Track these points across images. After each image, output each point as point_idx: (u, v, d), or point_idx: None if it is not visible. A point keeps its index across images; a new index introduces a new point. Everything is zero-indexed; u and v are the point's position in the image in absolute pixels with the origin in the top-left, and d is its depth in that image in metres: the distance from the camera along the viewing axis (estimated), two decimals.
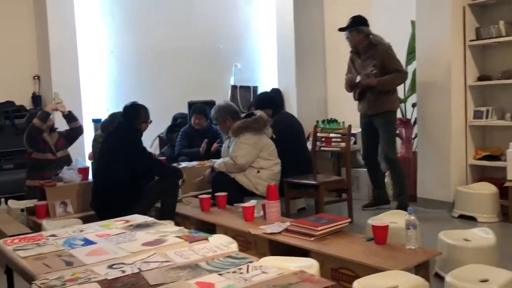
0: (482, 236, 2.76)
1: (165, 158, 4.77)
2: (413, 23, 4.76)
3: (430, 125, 4.48)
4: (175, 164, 4.63)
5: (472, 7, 4.33)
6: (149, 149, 5.02)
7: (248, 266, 1.57)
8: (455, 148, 4.35)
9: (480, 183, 4.27)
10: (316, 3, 5.99)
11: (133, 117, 3.65)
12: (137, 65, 6.16)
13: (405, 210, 3.96)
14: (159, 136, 6.12)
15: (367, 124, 4.40)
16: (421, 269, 2.35)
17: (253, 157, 3.92)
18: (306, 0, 5.89)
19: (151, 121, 3.77)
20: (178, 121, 5.87)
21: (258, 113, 4.10)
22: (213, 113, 4.22)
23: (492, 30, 4.25)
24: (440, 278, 2.59)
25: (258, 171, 3.93)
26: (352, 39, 4.33)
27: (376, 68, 4.15)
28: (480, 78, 4.40)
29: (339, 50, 5.88)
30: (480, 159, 4.40)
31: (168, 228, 2.07)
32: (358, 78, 4.25)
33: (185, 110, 5.81)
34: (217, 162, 4.03)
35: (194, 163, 4.80)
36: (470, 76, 4.39)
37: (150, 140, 6.02)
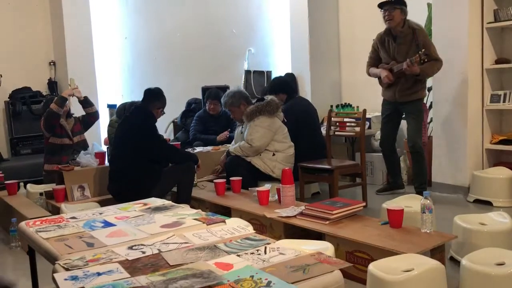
0: (499, 220, 2.74)
1: (179, 143, 4.80)
2: (429, 5, 4.69)
3: (446, 109, 4.43)
4: (189, 149, 4.68)
5: None
6: (163, 134, 5.09)
7: (265, 247, 1.59)
8: (471, 133, 4.31)
9: (496, 167, 4.23)
10: None
11: (151, 99, 3.67)
12: (151, 51, 6.19)
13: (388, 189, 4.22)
14: (173, 121, 6.16)
15: (392, 111, 4.27)
16: (436, 252, 2.36)
17: (268, 139, 3.95)
18: None
19: (164, 113, 3.78)
20: (192, 106, 5.90)
21: (269, 97, 4.11)
22: (226, 99, 4.20)
23: (511, 12, 4.17)
24: (456, 261, 2.59)
25: (274, 154, 3.96)
26: (395, 17, 3.99)
27: (428, 54, 3.87)
28: (497, 61, 4.33)
29: (354, 34, 5.84)
30: (496, 143, 4.35)
31: (186, 211, 2.10)
32: (399, 66, 3.98)
33: (199, 95, 5.84)
34: (233, 147, 4.06)
35: (209, 148, 4.84)
36: (487, 59, 4.32)
37: (165, 125, 6.08)
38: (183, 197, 3.61)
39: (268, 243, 1.63)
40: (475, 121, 4.34)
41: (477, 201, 4.05)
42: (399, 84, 4.11)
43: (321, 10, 5.86)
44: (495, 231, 2.64)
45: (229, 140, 4.81)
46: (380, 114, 5.34)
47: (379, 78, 4.26)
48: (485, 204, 3.97)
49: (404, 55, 4.02)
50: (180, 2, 6.24)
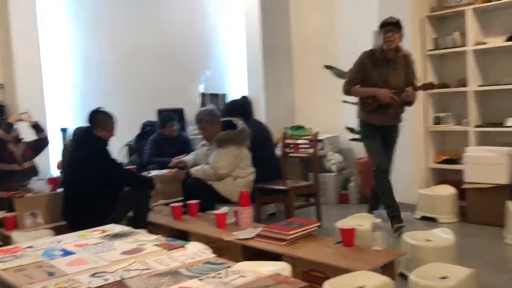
0: (442, 236, 2.93)
1: (135, 166, 4.77)
2: (375, 34, 4.96)
3: None
4: (145, 173, 4.66)
5: (430, 19, 4.58)
6: (117, 158, 5.02)
7: (226, 270, 1.65)
8: (417, 153, 4.57)
9: (440, 185, 4.49)
10: (283, 13, 6.14)
11: (93, 122, 3.62)
12: (105, 74, 6.13)
13: (399, 221, 3.84)
14: (127, 145, 6.11)
15: (379, 136, 4.03)
16: (387, 269, 2.48)
17: (233, 168, 4.00)
18: (273, 9, 6.03)
19: (112, 134, 3.68)
20: (147, 129, 5.87)
21: (239, 124, 4.13)
22: (203, 115, 4.10)
23: (449, 41, 4.50)
24: (405, 277, 2.73)
25: (235, 179, 4.01)
26: (395, 40, 3.86)
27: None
28: (438, 86, 4.64)
29: (307, 59, 6.06)
30: (440, 162, 4.63)
31: (146, 237, 2.12)
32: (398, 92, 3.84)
33: (154, 118, 5.83)
34: (195, 169, 4.04)
35: (164, 171, 4.82)
36: None
37: (118, 148, 6.01)
38: (140, 222, 3.58)
39: (229, 267, 1.69)
40: (420, 142, 4.60)
41: (423, 218, 4.28)
42: (390, 109, 3.94)
43: (275, 35, 6.06)
44: (439, 247, 2.82)
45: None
46: (331, 135, 5.57)
47: (364, 100, 3.99)
48: (430, 221, 4.20)
49: (398, 80, 3.90)
50: (134, 24, 6.24)
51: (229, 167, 3.98)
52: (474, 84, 4.37)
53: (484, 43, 4.34)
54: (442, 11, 4.51)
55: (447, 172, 4.66)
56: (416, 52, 4.54)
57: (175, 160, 5.10)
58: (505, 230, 3.60)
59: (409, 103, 3.94)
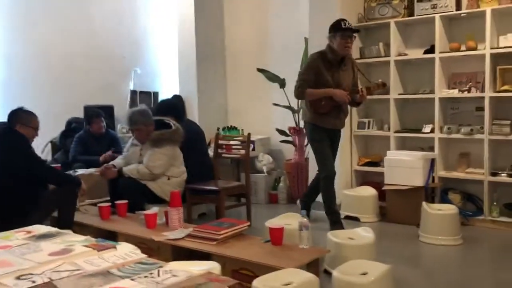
0: (364, 234, 3.12)
1: (60, 165, 4.59)
2: (306, 40, 5.15)
3: None
4: (70, 172, 4.50)
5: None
6: (40, 155, 4.80)
7: (158, 270, 1.66)
8: (342, 155, 4.79)
9: (362, 186, 4.75)
10: (217, 15, 6.17)
11: (11, 119, 3.47)
12: (29, 68, 5.84)
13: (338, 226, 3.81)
14: (51, 142, 5.85)
15: (327, 138, 4.03)
16: (312, 266, 2.61)
17: (168, 167, 3.98)
18: (207, 9, 6.05)
19: (36, 129, 3.53)
20: (72, 126, 5.67)
21: (172, 122, 4.11)
22: (137, 116, 4.00)
23: (373, 50, 4.78)
24: (329, 273, 2.88)
25: (169, 179, 3.99)
26: (352, 45, 3.93)
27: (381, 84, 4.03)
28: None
29: (239, 60, 6.15)
30: (362, 165, 4.90)
31: (74, 238, 2.07)
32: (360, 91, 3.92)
33: (80, 114, 5.64)
34: (128, 168, 3.95)
35: (92, 170, 4.68)
36: None
37: (42, 145, 5.74)
38: (65, 222, 3.45)
39: (161, 266, 1.71)
40: (345, 145, 4.83)
41: (347, 217, 4.50)
42: (343, 112, 4.02)
43: (209, 34, 6.08)
44: (361, 244, 3.00)
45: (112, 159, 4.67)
46: (262, 137, 5.69)
47: (316, 102, 3.91)
48: (354, 220, 4.44)
49: (348, 82, 3.96)
50: (62, 18, 6.01)
51: (164, 166, 3.96)
52: (395, 92, 4.67)
53: (405, 54, 4.65)
54: (368, 22, 4.78)
55: (369, 174, 4.94)
56: None
57: (102, 157, 4.98)
58: (420, 229, 3.90)
59: (359, 103, 4.10)
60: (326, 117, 3.95)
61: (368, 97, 4.77)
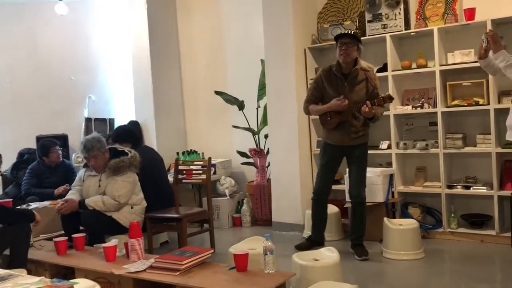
0: (328, 254, 3.11)
1: (11, 200, 4.36)
2: (262, 61, 5.19)
3: (281, 154, 4.88)
4: (23, 206, 4.30)
5: (311, 50, 4.91)
6: None
7: None
8: (303, 175, 4.81)
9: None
10: (171, 40, 6.13)
11: None
12: None
13: (363, 252, 3.76)
14: (1, 174, 5.60)
15: (336, 156, 3.92)
16: None
17: (131, 194, 3.87)
18: (161, 32, 5.99)
19: None
20: (25, 157, 5.47)
21: (126, 149, 4.01)
22: (94, 142, 3.83)
23: None
24: None
25: (132, 207, 3.87)
26: (350, 53, 3.70)
27: (388, 98, 3.71)
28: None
29: (196, 83, 6.12)
30: None
31: (27, 280, 1.95)
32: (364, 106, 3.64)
33: (32, 145, 5.44)
34: (92, 200, 3.77)
35: (46, 203, 4.50)
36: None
37: None
38: (18, 260, 3.26)
39: None
40: (305, 164, 4.86)
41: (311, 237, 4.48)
42: (347, 126, 3.79)
43: (163, 58, 6.02)
44: (326, 265, 2.98)
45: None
46: (223, 160, 5.65)
47: (323, 118, 3.89)
48: None
49: (359, 95, 3.75)
50: (9, 46, 5.83)
51: (128, 194, 3.84)
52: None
53: None
54: (321, 43, 4.87)
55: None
56: (300, 80, 4.83)
57: (57, 191, 4.79)
58: (383, 245, 3.93)
59: (371, 119, 3.73)
60: (333, 133, 3.86)
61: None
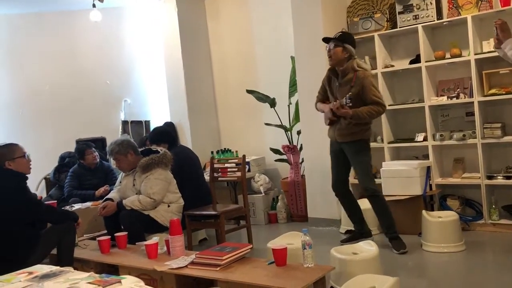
0: (367, 248, 3.10)
1: (55, 201, 4.54)
2: (292, 58, 5.21)
3: (316, 148, 4.88)
4: (67, 207, 4.46)
5: None
6: (35, 192, 4.76)
7: None
8: None
9: (361, 199, 4.73)
10: (203, 40, 6.23)
11: None
12: (16, 105, 5.85)
13: (400, 245, 3.77)
14: (45, 178, 5.82)
15: (337, 151, 4.04)
16: (318, 284, 2.58)
17: (165, 192, 3.95)
18: (192, 34, 6.09)
19: (24, 155, 3.38)
20: (66, 161, 5.65)
21: (159, 149, 4.12)
22: (113, 146, 4.01)
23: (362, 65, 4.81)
24: None
25: (169, 206, 3.96)
26: (334, 55, 3.82)
27: (352, 98, 3.77)
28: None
29: (227, 83, 6.19)
30: None
31: (77, 275, 2.04)
32: (332, 105, 3.81)
33: (73, 149, 5.63)
34: (130, 200, 3.87)
35: (88, 203, 4.66)
36: None
37: (35, 182, 5.70)
38: (65, 259, 3.40)
39: None
40: None
41: (348, 231, 4.48)
42: (338, 124, 3.93)
43: (195, 59, 6.11)
44: (365, 259, 2.98)
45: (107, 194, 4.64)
46: (257, 157, 5.70)
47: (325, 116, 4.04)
48: None
49: (344, 96, 3.83)
50: (47, 55, 6.05)
51: (162, 191, 3.92)
52: (385, 103, 4.70)
53: (392, 66, 4.70)
54: None
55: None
56: None
57: (98, 192, 4.95)
58: (422, 238, 3.89)
59: (351, 118, 3.78)
60: (329, 129, 4.07)
61: None
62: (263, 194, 5.38)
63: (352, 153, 3.94)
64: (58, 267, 2.27)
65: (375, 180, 4.11)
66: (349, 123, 3.84)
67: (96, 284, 1.86)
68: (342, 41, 3.84)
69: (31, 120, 5.92)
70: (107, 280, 1.91)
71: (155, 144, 4.39)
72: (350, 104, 3.75)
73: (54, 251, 3.48)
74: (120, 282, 1.90)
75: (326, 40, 3.93)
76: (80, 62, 6.25)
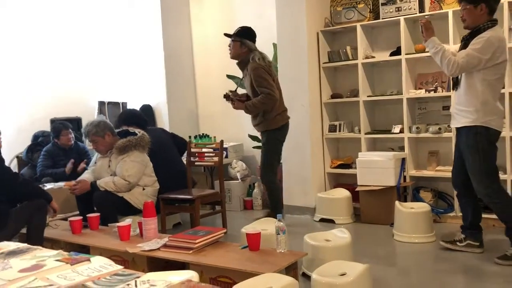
0: (340, 235, 3.14)
1: None
2: (275, 45, 5.18)
3: (292, 138, 4.87)
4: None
5: (324, 33, 4.88)
6: None
7: (136, 281, 1.62)
8: (314, 158, 4.82)
9: (336, 189, 4.79)
10: (184, 21, 6.14)
11: None
12: None
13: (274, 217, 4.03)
14: (17, 157, 5.69)
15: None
16: (290, 269, 2.60)
17: (141, 175, 3.92)
18: (174, 17, 6.01)
19: None
20: (39, 140, 5.54)
21: (137, 131, 4.07)
22: (90, 127, 3.96)
23: (341, 54, 4.84)
24: (307, 276, 2.88)
25: (144, 189, 3.93)
26: (232, 49, 4.18)
27: (229, 93, 4.28)
28: (332, 96, 4.96)
29: (208, 67, 6.12)
30: (335, 167, 4.94)
31: (45, 252, 2.00)
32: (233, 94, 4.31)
33: (47, 128, 5.51)
34: (104, 181, 3.84)
35: (60, 184, 4.59)
36: (324, 94, 4.92)
37: (8, 160, 5.56)
38: (35, 238, 3.32)
39: (138, 277, 1.66)
40: (317, 148, 4.87)
41: (322, 220, 4.53)
42: (253, 117, 4.32)
43: (176, 42, 6.02)
44: (337, 246, 3.01)
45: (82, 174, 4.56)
46: (235, 144, 5.68)
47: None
48: (328, 222, 4.46)
49: (247, 88, 4.24)
50: (23, 31, 5.87)
51: (138, 174, 3.89)
52: (364, 94, 4.74)
53: (372, 57, 4.73)
54: (334, 26, 4.84)
55: (341, 176, 4.98)
56: (313, 64, 4.81)
57: (67, 169, 4.88)
58: (394, 228, 3.95)
59: (246, 110, 4.21)
60: None
61: (337, 100, 4.90)
62: (240, 180, 5.37)
63: (262, 144, 4.30)
64: (25, 244, 2.22)
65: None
66: (253, 116, 4.22)
67: (64, 262, 1.82)
68: (241, 36, 4.14)
69: (5, 97, 5.75)
70: (76, 258, 1.87)
71: (125, 126, 4.32)
72: (244, 99, 4.19)
73: (24, 231, 3.42)
74: (89, 260, 1.87)
75: (228, 35, 4.20)
76: (59, 39, 6.10)
